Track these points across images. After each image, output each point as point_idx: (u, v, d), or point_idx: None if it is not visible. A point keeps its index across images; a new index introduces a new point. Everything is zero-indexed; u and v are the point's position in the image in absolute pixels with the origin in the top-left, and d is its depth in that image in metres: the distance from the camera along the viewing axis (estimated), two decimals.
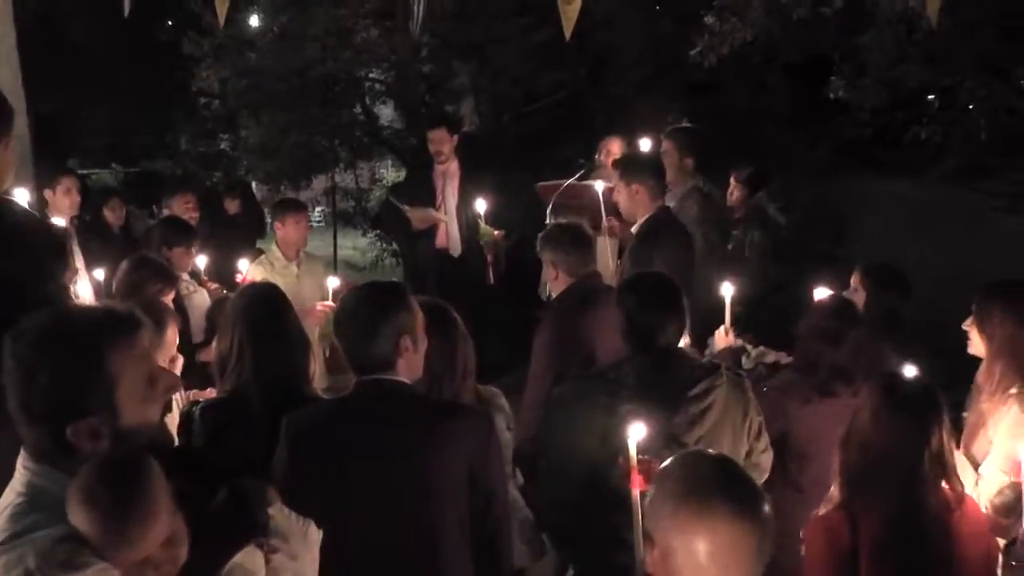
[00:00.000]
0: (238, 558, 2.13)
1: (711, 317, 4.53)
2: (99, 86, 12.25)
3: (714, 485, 2.01)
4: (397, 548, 2.89)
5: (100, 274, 5.31)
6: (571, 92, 11.42)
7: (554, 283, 4.55)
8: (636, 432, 2.61)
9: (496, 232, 7.08)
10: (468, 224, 7.62)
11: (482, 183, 7.45)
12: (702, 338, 4.47)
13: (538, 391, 4.18)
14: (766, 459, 3.59)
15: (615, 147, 6.97)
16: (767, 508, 2.02)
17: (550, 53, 10.18)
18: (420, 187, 8.03)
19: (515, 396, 4.07)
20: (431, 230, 7.88)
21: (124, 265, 4.90)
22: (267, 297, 3.62)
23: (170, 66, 13.15)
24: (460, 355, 3.39)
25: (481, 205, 6.92)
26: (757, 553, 1.99)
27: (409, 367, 3.00)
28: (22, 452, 2.10)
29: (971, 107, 9.93)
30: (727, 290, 4.47)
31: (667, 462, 2.15)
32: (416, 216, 7.80)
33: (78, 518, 1.95)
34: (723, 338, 4.42)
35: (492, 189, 7.30)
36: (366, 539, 2.84)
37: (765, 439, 3.58)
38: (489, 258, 7.11)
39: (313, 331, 5.07)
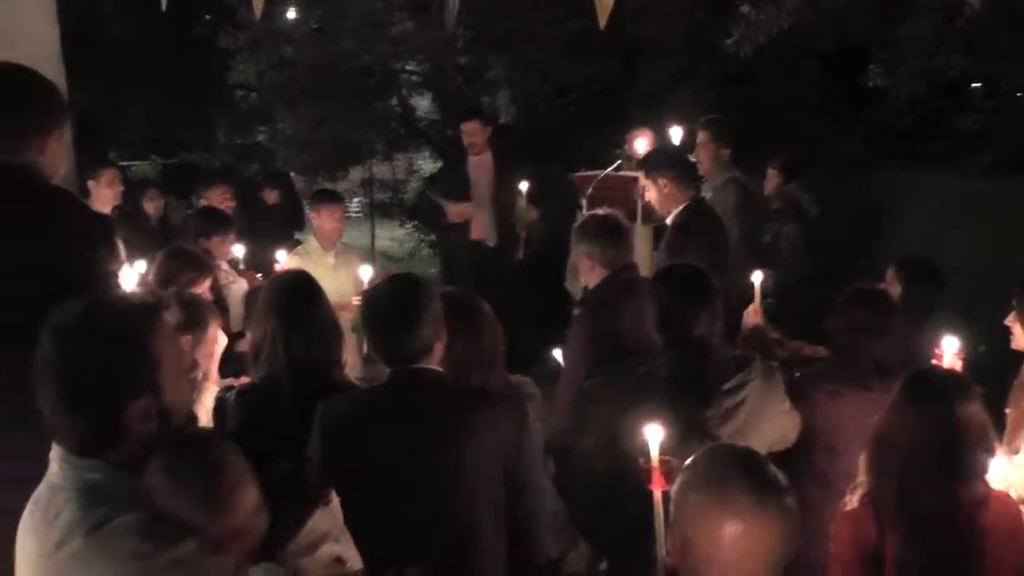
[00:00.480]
0: (314, 519, 2.22)
1: (745, 309, 4.53)
2: (138, 81, 12.36)
3: (737, 477, 2.03)
4: (431, 537, 2.90)
5: (140, 265, 5.38)
6: (605, 83, 11.40)
7: (589, 275, 4.55)
8: (655, 433, 2.60)
9: (532, 212, 7.11)
10: (503, 214, 7.66)
11: (517, 174, 7.49)
12: (736, 331, 4.47)
13: (571, 383, 4.19)
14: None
15: (640, 139, 6.96)
16: (791, 501, 2.04)
17: (583, 44, 10.16)
18: (455, 178, 8.10)
19: (548, 387, 4.08)
20: (466, 222, 7.93)
21: (159, 256, 4.97)
22: (299, 284, 3.65)
23: (207, 60, 13.25)
24: (487, 343, 3.39)
25: (523, 185, 6.94)
26: (780, 545, 2.00)
27: (437, 357, 3.03)
28: (59, 449, 2.12)
29: (1017, 95, 9.79)
30: (756, 277, 4.47)
31: (694, 455, 2.17)
32: (453, 210, 7.85)
33: (168, 497, 2.01)
34: (752, 316, 4.42)
35: (527, 180, 7.34)
36: (399, 528, 2.85)
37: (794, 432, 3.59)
38: (523, 235, 7.13)
39: (349, 324, 5.10)
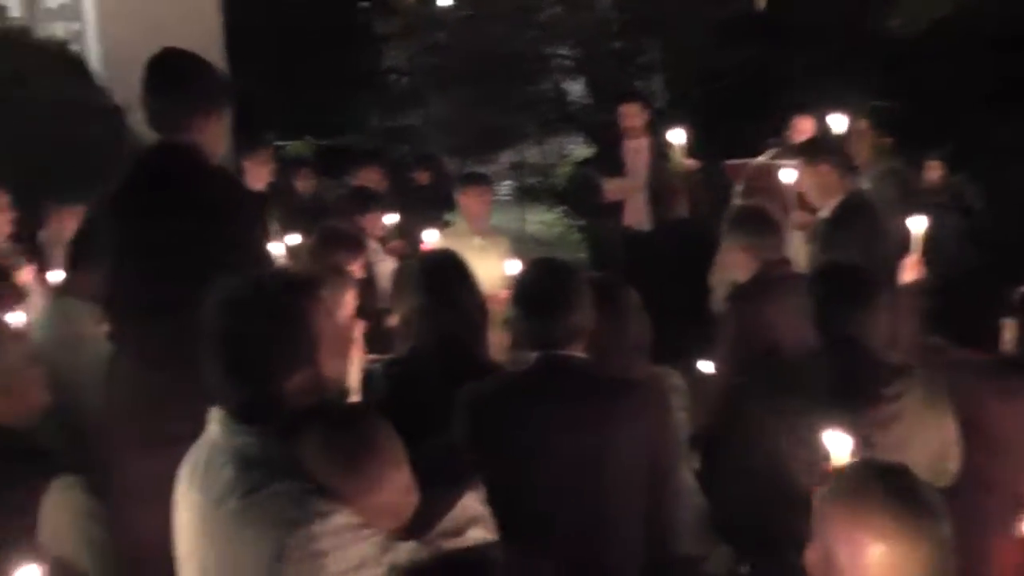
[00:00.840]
0: (463, 499, 2.23)
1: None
2: (296, 65, 12.73)
3: (883, 496, 1.93)
4: (567, 526, 2.87)
5: (292, 238, 5.52)
6: (759, 68, 11.14)
7: (740, 269, 4.44)
8: (832, 437, 2.50)
9: (688, 161, 6.94)
10: (657, 199, 7.54)
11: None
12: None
13: (720, 378, 4.11)
14: (954, 464, 3.37)
15: (806, 126, 6.76)
16: (944, 527, 1.92)
17: (738, 28, 9.95)
18: (610, 163, 7.98)
19: (693, 381, 3.98)
20: (619, 206, 7.84)
21: (315, 233, 5.08)
22: (446, 262, 3.68)
23: (362, 45, 13.52)
24: (631, 332, 3.32)
25: (679, 136, 6.79)
26: (927, 571, 1.89)
27: (583, 344, 2.99)
28: (219, 411, 2.20)
29: None
30: (917, 223, 4.29)
31: (844, 466, 2.08)
32: (611, 187, 7.77)
33: (322, 468, 2.06)
34: (911, 268, 4.22)
35: (682, 129, 7.15)
36: (536, 516, 2.82)
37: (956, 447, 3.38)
38: (679, 190, 6.98)
39: (496, 314, 5.13)
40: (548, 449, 2.89)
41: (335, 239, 5.07)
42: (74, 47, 9.50)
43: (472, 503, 2.26)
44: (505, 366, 3.52)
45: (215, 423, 2.21)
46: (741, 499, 3.37)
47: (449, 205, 9.91)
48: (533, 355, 3.00)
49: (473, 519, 2.22)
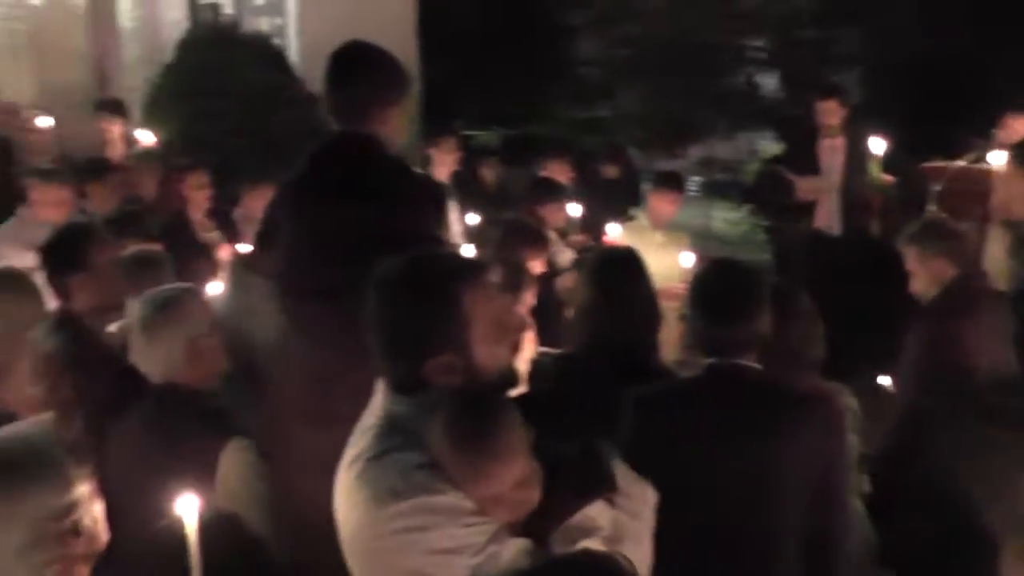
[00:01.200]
0: (588, 509, 2.14)
1: None
2: (487, 55, 12.88)
3: None
4: (727, 542, 2.77)
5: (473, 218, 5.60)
6: (969, 59, 10.50)
7: (927, 284, 4.18)
8: None
9: (886, 177, 6.63)
10: (851, 203, 7.24)
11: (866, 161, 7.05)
12: None
13: (903, 398, 3.88)
14: None
15: (1021, 126, 6.32)
16: None
17: (945, 15, 9.38)
18: (804, 161, 7.67)
19: (866, 402, 3.76)
20: (810, 207, 7.56)
21: (501, 226, 5.18)
22: (621, 259, 3.63)
23: (553, 36, 13.56)
24: (801, 341, 3.16)
25: (879, 145, 6.49)
26: None
27: (757, 352, 2.87)
28: (381, 383, 2.26)
29: None
30: None
31: None
32: (804, 186, 7.50)
33: (438, 447, 2.06)
34: None
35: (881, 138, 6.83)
36: (699, 526, 2.72)
37: None
38: (876, 203, 6.68)
39: (671, 310, 5.03)
40: (713, 460, 2.80)
41: (519, 234, 5.13)
42: (276, 41, 9.95)
43: (600, 515, 2.18)
44: (673, 368, 3.44)
45: (378, 393, 2.27)
46: (918, 534, 3.16)
47: (634, 200, 9.84)
48: (706, 361, 2.91)
49: (590, 531, 2.13)
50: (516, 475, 2.07)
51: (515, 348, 2.39)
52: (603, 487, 2.19)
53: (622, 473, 2.28)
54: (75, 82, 9.34)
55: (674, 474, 2.71)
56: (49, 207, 5.49)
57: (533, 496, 2.11)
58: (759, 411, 2.81)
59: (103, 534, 2.22)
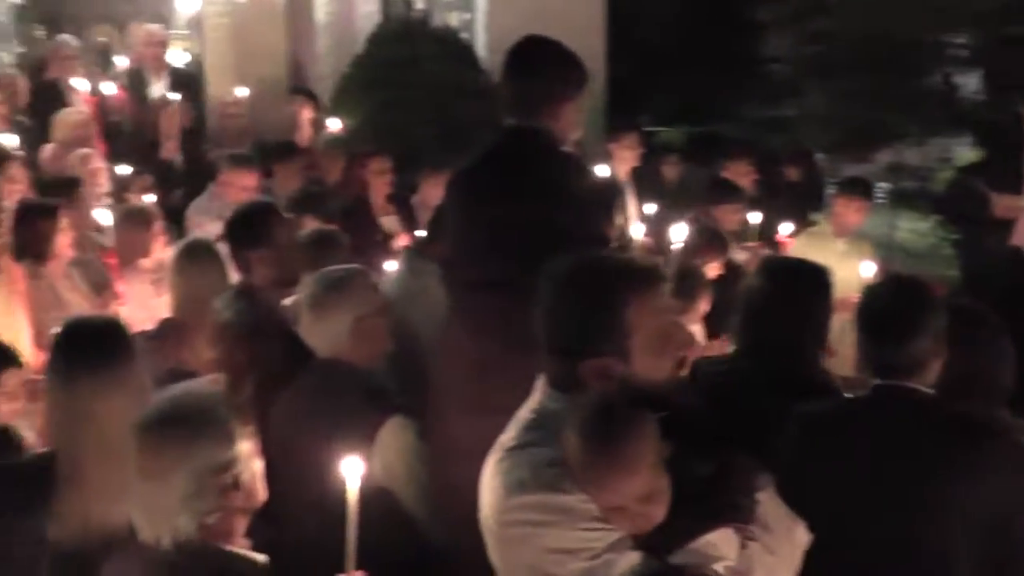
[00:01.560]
0: (712, 535, 2.09)
1: None
2: (674, 51, 12.76)
3: None
4: None
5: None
6: None
7: None
8: None
9: None
10: None
11: None
12: None
13: None
14: None
15: None
16: None
17: None
18: (1005, 174, 7.14)
19: None
20: (1008, 224, 7.12)
21: (690, 228, 5.28)
22: (786, 270, 3.53)
23: (741, 33, 13.31)
24: (987, 368, 2.87)
25: None
26: None
27: (932, 377, 2.71)
28: (542, 377, 2.31)
29: None
30: None
31: None
32: (1003, 203, 7.07)
33: (568, 447, 2.08)
34: None
35: None
36: (857, 565, 2.60)
37: None
38: None
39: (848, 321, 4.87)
40: (875, 487, 2.66)
41: (699, 236, 5.16)
42: (464, 35, 10.14)
43: (722, 542, 2.09)
44: (838, 384, 3.30)
45: (538, 387, 2.30)
46: None
47: (816, 204, 9.57)
48: (873, 382, 2.77)
49: (710, 558, 2.06)
50: (640, 489, 2.04)
51: (680, 364, 2.33)
52: (733, 514, 2.13)
53: (770, 504, 2.20)
54: (271, 72, 9.83)
55: (832, 497, 2.63)
56: (236, 190, 5.79)
57: (657, 512, 2.08)
58: (928, 441, 2.64)
59: (261, 491, 2.32)
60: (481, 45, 10.17)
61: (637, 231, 5.88)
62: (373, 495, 2.47)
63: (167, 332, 3.97)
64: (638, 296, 2.19)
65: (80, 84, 8.34)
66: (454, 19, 11.07)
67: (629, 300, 2.17)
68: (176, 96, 8.16)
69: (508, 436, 2.25)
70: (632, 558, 2.02)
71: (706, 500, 2.12)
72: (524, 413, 2.28)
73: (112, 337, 2.82)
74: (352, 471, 2.32)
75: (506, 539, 2.13)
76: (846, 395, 3.11)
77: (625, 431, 2.05)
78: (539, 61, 3.46)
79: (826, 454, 2.76)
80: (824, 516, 2.32)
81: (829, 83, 11.62)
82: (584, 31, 8.58)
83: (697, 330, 4.28)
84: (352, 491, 2.31)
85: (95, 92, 8.47)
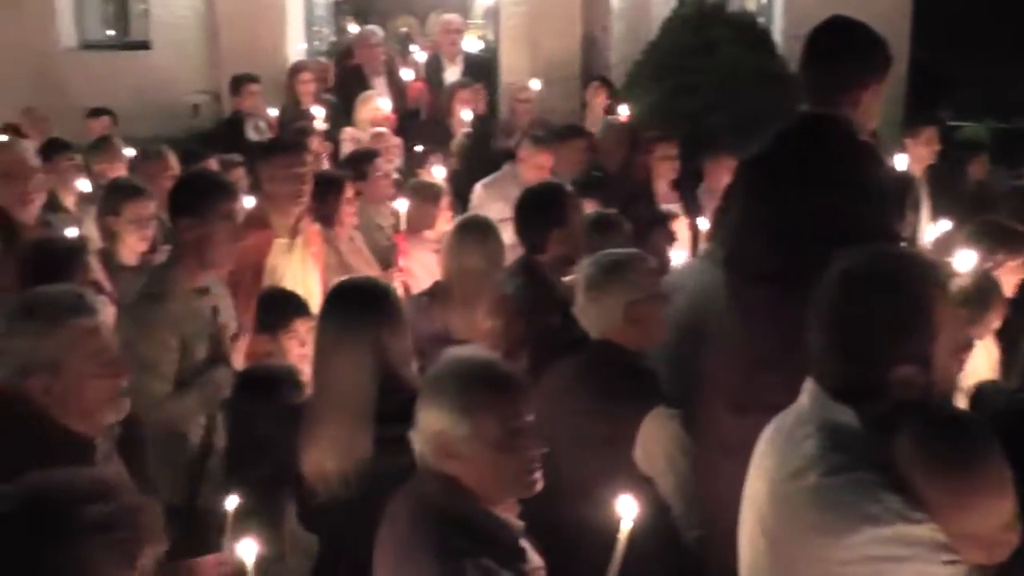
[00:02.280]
0: None
1: None
2: (985, 38, 11.86)
3: None
4: None
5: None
6: None
7: None
8: None
9: None
10: None
11: None
12: None
13: None
14: None
15: None
16: None
17: None
18: None
19: None
20: None
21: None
22: None
23: None
24: None
25: None
26: None
27: None
28: (814, 385, 2.14)
29: None
30: None
31: None
32: None
33: (914, 473, 1.91)
34: None
35: None
36: None
37: None
38: None
39: None
40: None
41: (991, 236, 4.75)
42: (761, 20, 9.90)
43: None
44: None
45: (807, 394, 2.15)
46: None
47: None
48: None
49: None
50: (1003, 512, 1.89)
51: (959, 366, 2.17)
52: None
53: None
54: (565, 59, 9.93)
55: None
56: (531, 167, 5.90)
57: (1014, 539, 1.91)
58: None
59: None
60: (778, 30, 9.90)
61: (929, 234, 5.54)
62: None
63: (436, 294, 4.21)
64: (942, 295, 2.06)
65: (407, 75, 9.33)
66: (751, 3, 10.83)
67: (937, 300, 2.04)
68: (468, 80, 8.51)
69: (802, 457, 2.06)
70: None
71: None
72: (800, 426, 2.12)
73: (371, 300, 2.97)
74: (627, 510, 2.29)
75: None
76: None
77: (988, 450, 1.89)
78: (842, 44, 3.27)
79: None
80: None
81: None
82: (889, 14, 8.12)
83: (989, 346, 3.89)
84: (624, 530, 2.27)
85: (417, 78, 9.35)
